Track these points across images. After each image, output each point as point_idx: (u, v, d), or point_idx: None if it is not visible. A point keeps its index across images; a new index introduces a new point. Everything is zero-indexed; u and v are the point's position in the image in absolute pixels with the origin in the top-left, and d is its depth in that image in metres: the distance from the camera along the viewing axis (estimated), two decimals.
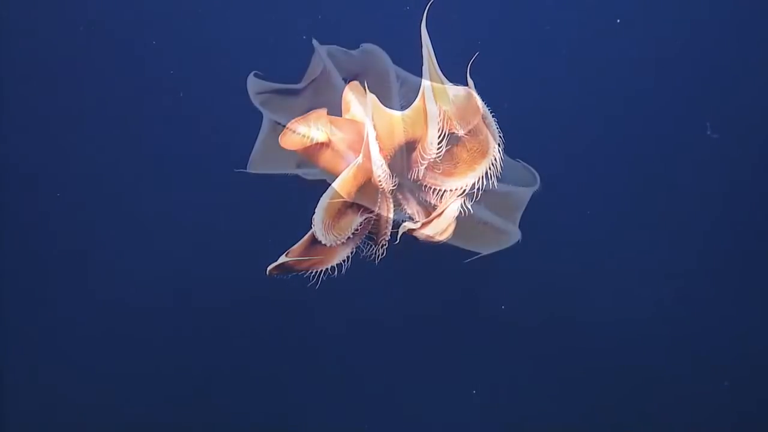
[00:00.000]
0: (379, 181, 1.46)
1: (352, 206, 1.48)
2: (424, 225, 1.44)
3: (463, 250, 1.45)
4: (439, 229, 1.46)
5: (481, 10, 2.08)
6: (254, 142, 1.53)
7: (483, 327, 2.12)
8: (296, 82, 1.55)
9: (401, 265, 1.64)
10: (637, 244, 2.11)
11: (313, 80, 1.53)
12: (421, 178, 1.54)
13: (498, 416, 2.12)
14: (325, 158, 1.50)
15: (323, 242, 1.46)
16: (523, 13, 2.09)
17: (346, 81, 1.53)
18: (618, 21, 2.07)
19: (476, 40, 1.88)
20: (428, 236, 1.46)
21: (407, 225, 1.47)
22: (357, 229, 1.51)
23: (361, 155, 1.49)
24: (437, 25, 1.56)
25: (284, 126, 1.48)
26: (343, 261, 1.53)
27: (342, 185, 1.41)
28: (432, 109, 1.56)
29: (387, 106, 1.53)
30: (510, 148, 1.57)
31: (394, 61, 1.55)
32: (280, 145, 1.47)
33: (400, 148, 1.52)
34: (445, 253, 1.52)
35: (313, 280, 1.52)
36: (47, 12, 2.07)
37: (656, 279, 2.11)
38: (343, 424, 2.12)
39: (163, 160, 2.07)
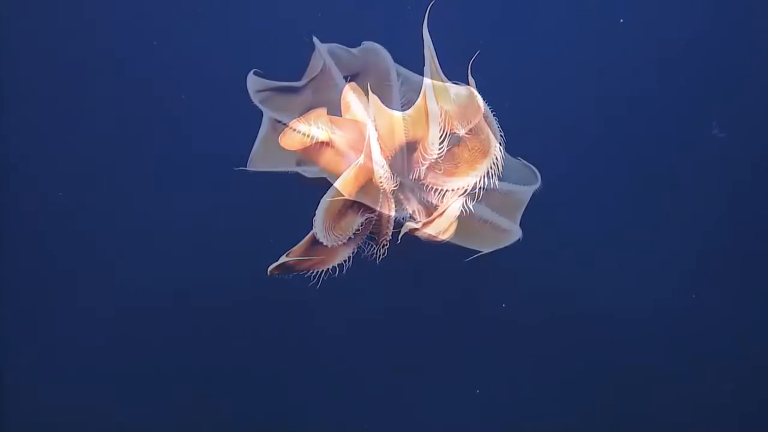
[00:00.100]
0: (381, 182, 1.46)
1: (353, 207, 1.48)
2: (425, 224, 1.44)
3: (464, 248, 1.45)
4: (441, 228, 1.46)
5: (482, 9, 2.08)
6: (254, 141, 1.53)
7: (484, 326, 2.12)
8: (296, 81, 1.55)
9: (402, 264, 1.64)
10: (638, 243, 2.10)
11: (313, 78, 1.53)
12: (422, 177, 1.53)
13: (498, 416, 2.12)
14: (326, 158, 1.50)
15: (324, 243, 1.46)
16: (525, 12, 2.09)
17: (347, 79, 1.53)
18: (621, 21, 2.07)
19: (477, 39, 1.88)
20: (430, 235, 1.47)
21: (409, 225, 1.47)
22: (358, 230, 1.51)
23: (362, 155, 1.49)
24: (438, 24, 1.56)
25: (284, 124, 1.48)
26: (344, 261, 1.53)
27: (343, 185, 1.41)
28: (433, 108, 1.56)
29: (387, 104, 1.53)
30: (511, 147, 1.57)
31: (395, 60, 1.55)
32: (280, 144, 1.47)
33: (401, 149, 1.52)
34: (446, 252, 1.52)
35: (314, 280, 1.52)
36: (48, 12, 2.07)
37: (657, 278, 2.11)
38: (343, 423, 2.12)
39: (163, 159, 2.06)
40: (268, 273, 1.50)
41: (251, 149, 1.54)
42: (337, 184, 1.43)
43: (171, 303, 2.08)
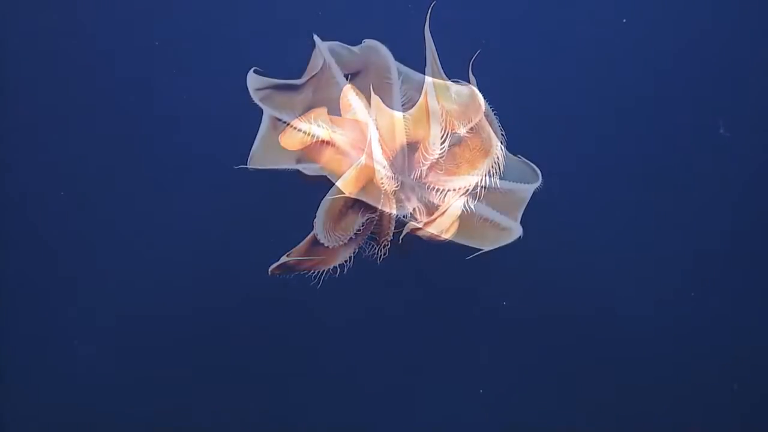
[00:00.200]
0: (382, 181, 1.46)
1: (353, 207, 1.48)
2: (427, 224, 1.43)
3: (465, 246, 1.44)
4: (443, 227, 1.46)
5: (483, 8, 2.08)
6: (254, 139, 1.52)
7: (485, 325, 2.12)
8: (297, 79, 1.54)
9: (403, 263, 1.63)
10: (639, 242, 2.10)
11: (313, 76, 1.52)
12: (423, 177, 1.53)
13: (500, 414, 2.11)
14: (327, 157, 1.50)
15: (325, 244, 1.46)
16: (527, 10, 2.09)
17: (348, 77, 1.53)
18: (624, 21, 2.08)
19: (479, 38, 1.88)
20: (432, 235, 1.46)
21: (411, 224, 1.47)
22: (359, 230, 1.51)
23: (363, 155, 1.49)
24: (440, 23, 1.56)
25: (284, 122, 1.47)
26: (345, 261, 1.52)
27: (344, 185, 1.40)
28: (434, 107, 1.56)
29: (388, 103, 1.53)
30: (512, 146, 1.57)
31: (396, 58, 1.54)
32: (280, 142, 1.47)
33: (402, 148, 1.52)
34: (447, 251, 1.51)
35: (314, 279, 1.51)
36: (48, 12, 2.07)
37: (659, 276, 2.11)
38: (344, 423, 2.11)
39: (163, 158, 2.06)
40: (269, 273, 1.50)
41: (251, 148, 1.53)
42: (338, 184, 1.42)
43: (171, 303, 2.08)
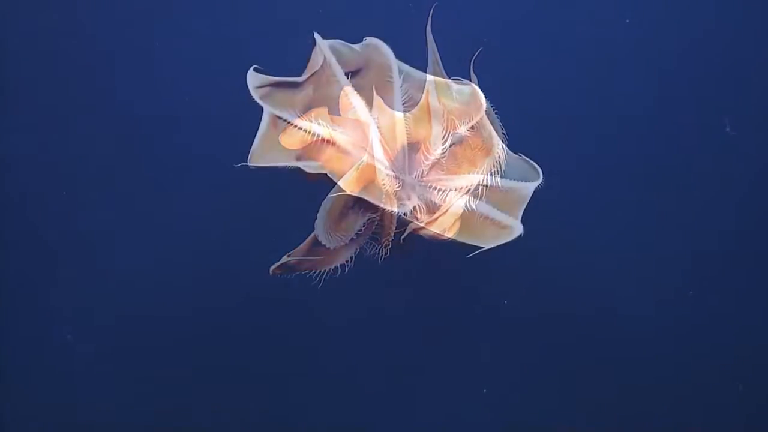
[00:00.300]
0: (383, 181, 1.46)
1: (354, 208, 1.48)
2: (429, 223, 1.43)
3: (466, 245, 1.44)
4: (444, 226, 1.46)
5: (485, 6, 2.08)
6: (254, 138, 1.52)
7: (485, 323, 2.12)
8: (297, 76, 1.54)
9: (404, 262, 1.63)
10: (640, 240, 2.11)
11: (313, 74, 1.52)
12: (425, 176, 1.53)
13: (500, 414, 2.11)
14: (327, 156, 1.49)
15: (326, 245, 1.46)
16: (530, 9, 2.10)
17: (348, 75, 1.53)
18: (627, 21, 2.08)
19: (480, 37, 1.88)
20: (433, 234, 1.46)
21: (413, 224, 1.47)
22: (360, 230, 1.50)
23: (365, 154, 1.48)
24: (441, 22, 1.56)
25: (285, 120, 1.47)
26: (346, 261, 1.52)
27: (346, 185, 1.40)
28: (436, 105, 1.55)
29: (389, 101, 1.53)
30: (513, 144, 1.57)
31: (397, 56, 1.54)
32: (280, 140, 1.46)
33: (403, 147, 1.52)
34: (448, 250, 1.51)
35: (316, 279, 1.51)
36: (48, 12, 2.07)
37: (660, 275, 2.11)
38: (343, 423, 2.11)
39: (163, 157, 2.06)
40: (270, 272, 1.49)
41: (251, 146, 1.53)
42: (339, 184, 1.42)
43: (171, 303, 2.08)
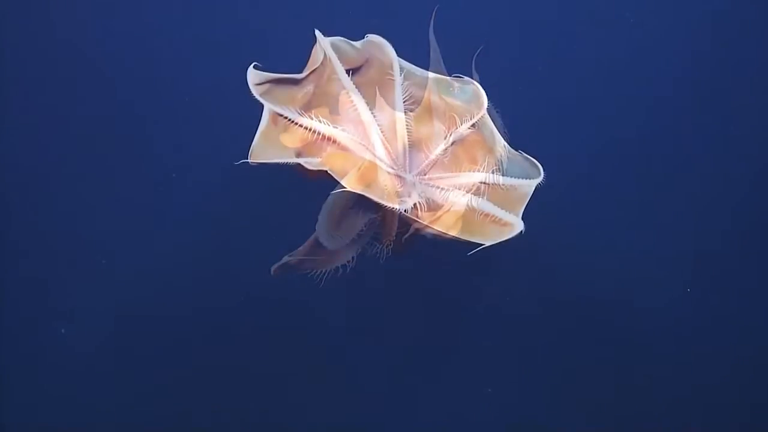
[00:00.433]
0: (384, 180, 1.45)
1: (355, 208, 1.48)
2: (431, 221, 1.42)
3: (467, 242, 1.44)
4: (446, 224, 1.45)
5: (487, 3, 2.08)
6: (254, 135, 1.51)
7: (486, 322, 2.12)
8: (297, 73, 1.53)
9: (405, 261, 1.63)
10: (642, 239, 2.11)
11: (314, 70, 1.51)
12: (426, 174, 1.53)
13: (500, 414, 2.11)
14: (328, 153, 1.49)
15: (327, 246, 1.45)
16: (533, 7, 2.10)
17: (350, 72, 1.52)
18: (631, 21, 2.08)
19: (483, 34, 1.88)
20: (435, 232, 1.45)
21: (416, 225, 1.46)
22: (362, 231, 1.50)
23: (366, 153, 1.48)
24: (442, 19, 1.56)
25: (285, 118, 1.46)
26: (348, 261, 1.52)
27: (347, 183, 1.39)
28: (437, 103, 1.55)
29: (390, 99, 1.53)
30: (514, 142, 1.57)
31: (398, 53, 1.54)
32: (281, 138, 1.46)
33: (404, 145, 1.52)
34: (449, 247, 1.51)
35: (317, 279, 1.51)
36: (48, 12, 2.07)
37: (661, 274, 2.11)
38: (344, 423, 2.10)
39: (162, 156, 2.06)
40: (272, 272, 1.49)
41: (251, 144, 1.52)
42: (340, 182, 1.41)
43: (171, 302, 2.07)
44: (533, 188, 1.51)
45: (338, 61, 1.50)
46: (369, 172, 1.44)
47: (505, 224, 1.45)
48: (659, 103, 2.11)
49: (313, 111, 1.47)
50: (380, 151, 1.50)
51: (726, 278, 2.13)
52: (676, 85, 2.11)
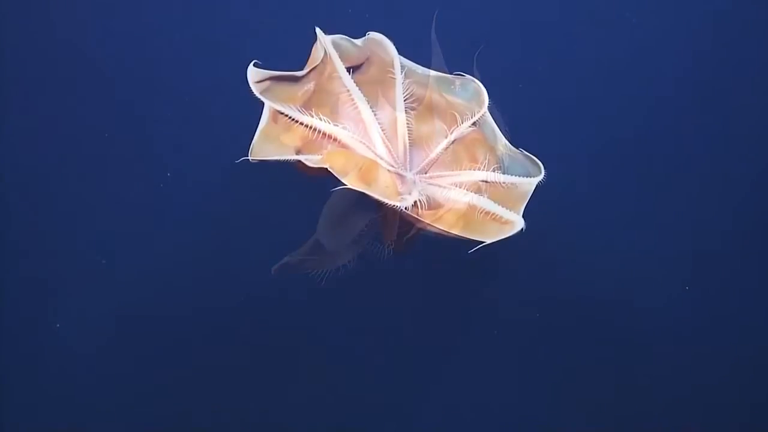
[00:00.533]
0: (385, 178, 1.45)
1: (357, 208, 1.48)
2: (431, 219, 1.42)
3: (468, 240, 1.44)
4: (447, 222, 1.45)
5: (490, 2, 2.08)
6: (254, 133, 1.51)
7: (486, 321, 2.11)
8: (297, 71, 1.53)
9: (406, 261, 1.63)
10: (643, 238, 2.10)
11: (314, 68, 1.51)
12: (427, 173, 1.53)
13: (500, 414, 2.10)
14: (328, 152, 1.49)
15: (328, 247, 1.45)
16: (536, 5, 2.10)
17: (350, 70, 1.52)
18: (633, 21, 2.08)
19: (484, 33, 1.88)
20: (436, 230, 1.45)
21: (415, 220, 1.46)
22: (363, 230, 1.50)
23: (366, 151, 1.48)
24: (445, 16, 1.56)
25: (285, 115, 1.46)
26: (349, 261, 1.52)
27: (348, 181, 1.39)
28: (438, 101, 1.55)
29: (391, 97, 1.53)
30: (515, 141, 1.57)
31: (399, 51, 1.54)
32: (281, 135, 1.46)
33: (405, 144, 1.52)
34: (449, 245, 1.51)
35: (317, 279, 1.51)
36: (48, 12, 2.07)
37: (662, 273, 2.11)
38: (344, 423, 2.10)
39: (162, 154, 2.06)
40: (273, 272, 1.49)
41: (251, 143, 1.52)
42: (341, 180, 1.41)
43: (171, 302, 2.07)
44: (534, 186, 1.51)
45: (339, 59, 1.50)
46: (369, 170, 1.44)
47: (506, 222, 1.45)
48: (660, 103, 2.11)
49: (313, 109, 1.46)
50: (381, 149, 1.50)
51: (726, 278, 2.13)
52: (676, 85, 2.11)
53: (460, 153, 1.54)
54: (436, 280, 2.08)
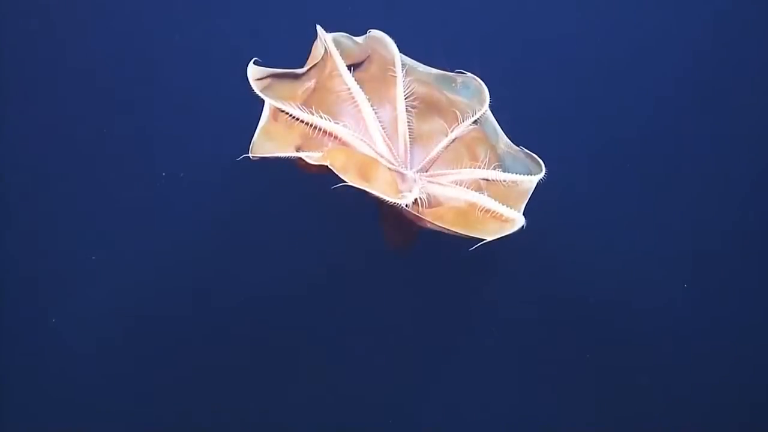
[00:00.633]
0: (386, 177, 1.45)
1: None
2: (432, 218, 1.42)
3: (468, 237, 1.44)
4: (447, 220, 1.45)
5: (491, 1, 2.09)
6: (254, 132, 1.51)
7: (486, 321, 2.12)
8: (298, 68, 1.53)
9: (406, 260, 1.63)
10: (643, 237, 2.11)
11: (315, 66, 1.51)
12: (428, 171, 1.53)
13: (500, 414, 2.10)
14: (328, 149, 1.48)
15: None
16: (536, 6, 2.10)
17: (351, 68, 1.52)
18: (633, 21, 2.09)
19: (485, 32, 1.88)
20: (436, 228, 1.45)
21: (416, 218, 1.46)
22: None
23: (366, 148, 1.48)
24: (447, 15, 1.56)
25: (286, 112, 1.46)
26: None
27: (348, 179, 1.38)
28: (439, 99, 1.55)
29: (391, 94, 1.52)
30: (516, 140, 1.57)
31: (400, 49, 1.53)
32: (281, 133, 1.45)
33: (405, 141, 1.51)
34: (450, 243, 1.50)
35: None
36: (48, 12, 2.07)
37: (663, 272, 2.11)
38: (344, 423, 2.10)
39: (162, 153, 2.06)
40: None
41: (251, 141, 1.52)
42: (341, 177, 1.41)
43: (171, 303, 2.07)
44: (534, 184, 1.50)
45: (339, 57, 1.50)
46: (370, 168, 1.43)
47: (506, 220, 1.44)
48: (660, 103, 2.11)
49: (313, 106, 1.46)
50: (381, 147, 1.49)
51: (726, 278, 2.13)
52: (677, 85, 2.12)
53: (461, 151, 1.54)
54: (436, 279, 2.08)
